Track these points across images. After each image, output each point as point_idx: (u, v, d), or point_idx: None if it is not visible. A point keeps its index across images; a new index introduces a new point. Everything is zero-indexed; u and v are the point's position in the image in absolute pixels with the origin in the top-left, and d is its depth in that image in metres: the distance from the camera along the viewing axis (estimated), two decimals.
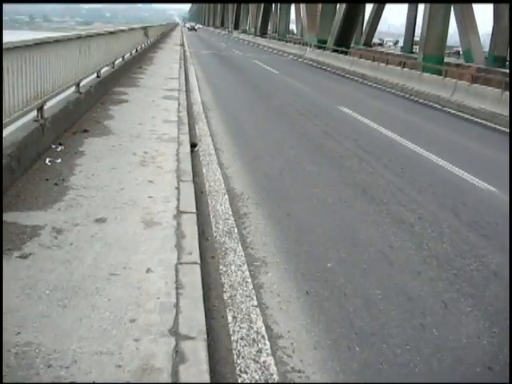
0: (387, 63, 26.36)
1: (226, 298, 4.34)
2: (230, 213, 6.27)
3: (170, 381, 2.85)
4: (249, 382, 3.30)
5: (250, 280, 4.68)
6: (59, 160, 6.78)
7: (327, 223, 6.34)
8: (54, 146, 7.31)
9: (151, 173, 6.70)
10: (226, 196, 6.88)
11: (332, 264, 5.23)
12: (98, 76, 12.08)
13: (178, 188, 6.13)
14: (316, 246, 5.63)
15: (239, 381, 3.34)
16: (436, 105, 19.04)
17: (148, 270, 4.10)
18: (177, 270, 4.14)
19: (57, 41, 8.04)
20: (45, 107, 7.15)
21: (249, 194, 7.08)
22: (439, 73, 22.95)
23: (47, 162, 6.61)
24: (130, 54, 19.10)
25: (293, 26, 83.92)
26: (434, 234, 6.27)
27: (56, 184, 5.92)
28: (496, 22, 41.04)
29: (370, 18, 61.06)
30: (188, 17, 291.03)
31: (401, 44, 76.16)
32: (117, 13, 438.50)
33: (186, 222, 5.13)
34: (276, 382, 3.36)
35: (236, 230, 5.82)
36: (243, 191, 7.17)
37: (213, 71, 24.42)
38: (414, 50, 57.15)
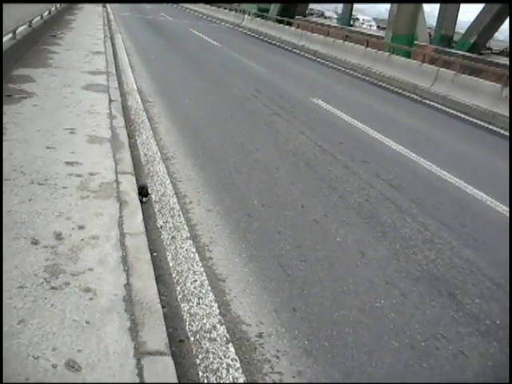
0: (345, 40, 22.87)
1: None
2: None
3: None
4: None
5: None
6: None
7: None
8: None
9: (77, 327, 2.82)
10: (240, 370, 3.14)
11: None
12: None
13: None
14: None
15: None
16: (415, 96, 15.93)
17: None
18: None
19: None
20: None
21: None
22: (408, 55, 19.82)
23: None
24: (41, 17, 14.58)
25: None
26: None
27: None
28: None
29: None
30: None
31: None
32: None
33: None
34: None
35: None
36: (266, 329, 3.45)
37: (145, 42, 20.10)
38: (351, 23, 54.17)
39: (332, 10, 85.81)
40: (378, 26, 64.09)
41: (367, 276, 4.56)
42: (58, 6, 18.95)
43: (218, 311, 3.70)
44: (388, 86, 17.29)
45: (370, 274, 4.60)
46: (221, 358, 3.24)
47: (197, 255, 4.42)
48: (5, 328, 2.84)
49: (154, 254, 4.31)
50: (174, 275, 4.07)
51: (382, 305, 4.16)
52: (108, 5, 34.62)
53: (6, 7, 8.81)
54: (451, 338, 3.93)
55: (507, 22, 34.27)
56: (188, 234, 4.74)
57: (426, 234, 5.65)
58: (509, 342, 3.56)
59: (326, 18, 68.72)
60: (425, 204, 6.56)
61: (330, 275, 4.46)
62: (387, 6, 29.91)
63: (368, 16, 77.58)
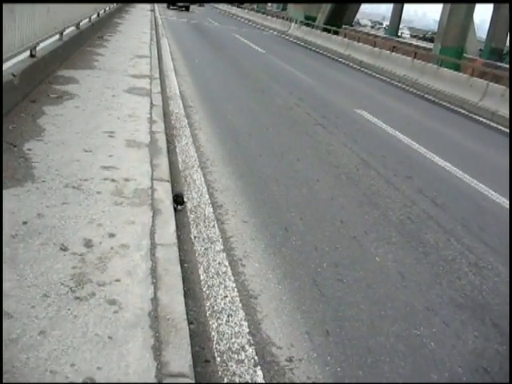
0: (392, 51, 22.45)
1: None
2: None
3: None
4: None
5: None
6: None
7: None
8: None
9: None
10: None
11: None
12: (31, 55, 7.83)
13: None
14: None
15: None
16: (463, 110, 15.48)
17: None
18: None
19: None
20: None
21: None
22: (456, 68, 19.30)
23: None
24: (90, 19, 14.71)
25: None
26: None
27: None
28: (496, 10, 37.38)
29: None
30: None
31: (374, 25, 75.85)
32: None
33: None
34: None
35: None
36: None
37: (190, 47, 20.19)
38: (398, 34, 53.57)
39: (367, 19, 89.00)
40: (411, 35, 66.61)
41: (407, 300, 4.33)
42: (106, 9, 19.09)
43: (248, 330, 3.52)
44: (435, 99, 16.90)
45: (409, 299, 4.36)
46: (247, 383, 3.05)
47: (229, 269, 4.25)
48: (24, 339, 2.73)
49: (185, 265, 4.15)
50: (204, 289, 3.92)
51: (422, 333, 3.92)
52: (157, 8, 34.96)
53: (53, 7, 8.86)
54: (495, 372, 3.66)
55: None
56: (222, 247, 4.59)
57: (471, 258, 5.37)
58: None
59: (360, 25, 69.76)
60: (470, 224, 6.27)
61: (368, 298, 4.24)
62: (436, 17, 29.38)
63: (409, 26, 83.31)
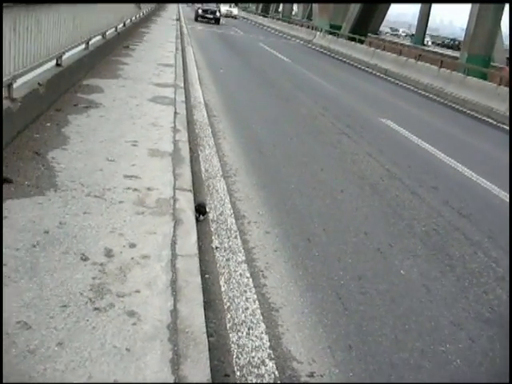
0: (417, 59, 22.26)
1: None
2: None
3: None
4: None
5: None
6: None
7: None
8: None
9: None
10: None
11: None
12: (57, 64, 7.89)
13: None
14: None
15: None
16: (490, 120, 15.22)
17: None
18: None
19: None
20: None
21: None
22: (483, 77, 19.02)
23: None
24: (116, 29, 14.87)
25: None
26: None
27: None
28: None
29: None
30: None
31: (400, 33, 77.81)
32: None
33: None
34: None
35: None
36: None
37: (215, 57, 20.26)
38: (424, 42, 53.15)
39: (388, 27, 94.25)
40: (433, 42, 69.42)
41: (432, 315, 4.22)
42: (134, 18, 19.26)
43: (269, 344, 3.46)
44: (461, 108, 16.71)
45: (434, 313, 4.26)
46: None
47: (251, 281, 4.20)
48: (42, 350, 2.71)
49: (206, 275, 4.11)
50: (225, 301, 3.86)
51: (447, 349, 3.82)
52: (183, 18, 35.26)
53: (79, 17, 8.94)
54: None
55: None
56: (244, 258, 4.53)
57: (499, 271, 5.24)
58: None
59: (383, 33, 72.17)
60: (497, 237, 6.13)
61: (392, 311, 4.15)
62: (463, 25, 29.11)
63: (435, 34, 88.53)
